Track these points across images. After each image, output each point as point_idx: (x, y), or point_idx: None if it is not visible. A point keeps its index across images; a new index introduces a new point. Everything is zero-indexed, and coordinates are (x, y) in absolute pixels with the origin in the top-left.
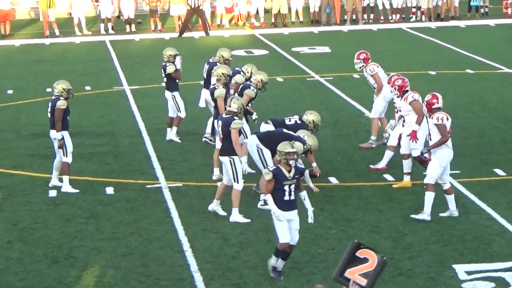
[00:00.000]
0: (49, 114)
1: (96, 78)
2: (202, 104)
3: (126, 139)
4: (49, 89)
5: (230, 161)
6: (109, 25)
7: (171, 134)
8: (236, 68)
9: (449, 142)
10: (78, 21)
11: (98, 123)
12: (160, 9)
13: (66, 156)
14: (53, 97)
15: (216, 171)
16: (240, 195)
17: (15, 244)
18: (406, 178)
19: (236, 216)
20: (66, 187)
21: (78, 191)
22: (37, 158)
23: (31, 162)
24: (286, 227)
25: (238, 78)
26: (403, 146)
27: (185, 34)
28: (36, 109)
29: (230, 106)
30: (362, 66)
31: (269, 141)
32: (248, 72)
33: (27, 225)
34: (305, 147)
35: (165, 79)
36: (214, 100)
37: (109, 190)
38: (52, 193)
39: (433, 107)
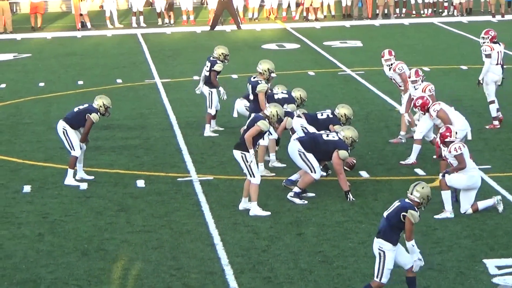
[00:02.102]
0: (76, 109)
1: (128, 71)
2: (235, 114)
3: (157, 132)
4: (80, 82)
5: (242, 156)
6: (141, 18)
7: (207, 131)
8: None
9: (474, 170)
10: (110, 14)
11: (129, 116)
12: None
13: (74, 150)
14: (91, 106)
15: (261, 166)
16: (258, 189)
17: (45, 236)
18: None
19: (255, 210)
20: (69, 180)
21: (79, 184)
22: (68, 151)
23: (61, 155)
24: (391, 269)
25: (291, 107)
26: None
27: (217, 28)
28: (67, 102)
29: (266, 110)
30: (393, 63)
31: (312, 148)
32: (298, 98)
33: (58, 218)
34: (350, 147)
35: (207, 73)
36: (255, 94)
37: (140, 183)
38: (83, 186)
39: (446, 140)
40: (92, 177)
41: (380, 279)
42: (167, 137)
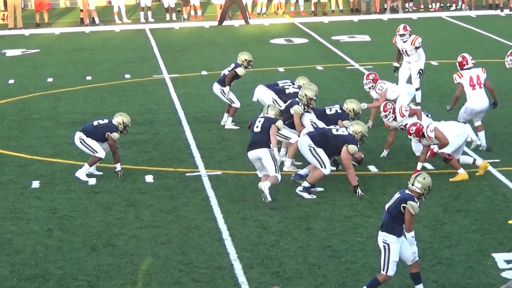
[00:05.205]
0: (95, 122)
1: (136, 66)
2: (254, 99)
3: (166, 128)
4: (89, 77)
5: (269, 152)
6: (149, 13)
7: (228, 123)
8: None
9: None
10: (118, 9)
11: (138, 112)
12: None
13: (98, 153)
14: (111, 123)
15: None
16: (277, 182)
17: (54, 232)
18: (461, 171)
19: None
20: (81, 174)
21: (88, 180)
22: (76, 146)
23: (70, 151)
24: (396, 261)
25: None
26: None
27: (225, 23)
28: (75, 98)
29: (267, 113)
30: (371, 86)
31: (322, 143)
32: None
33: (66, 213)
34: (359, 141)
35: (227, 72)
36: (288, 111)
37: (149, 178)
38: (91, 181)
39: (423, 132)
40: (101, 173)
41: (387, 272)
42: (176, 132)
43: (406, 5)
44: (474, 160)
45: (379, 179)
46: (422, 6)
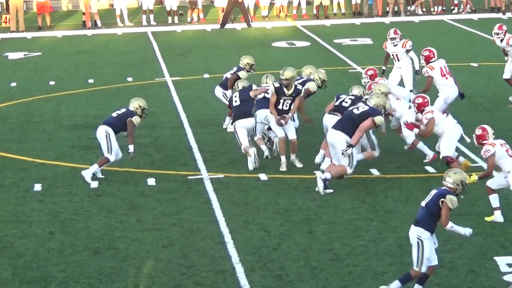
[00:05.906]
0: (114, 114)
1: (138, 69)
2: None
3: (168, 131)
4: (91, 80)
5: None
6: (151, 16)
7: (230, 126)
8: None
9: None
10: (120, 12)
11: None
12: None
13: (110, 154)
14: (129, 110)
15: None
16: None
17: (56, 235)
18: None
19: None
20: (87, 174)
21: (92, 182)
22: (78, 149)
23: (72, 154)
24: (429, 258)
25: (311, 86)
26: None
27: (227, 26)
28: (77, 100)
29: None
30: (367, 82)
31: (353, 127)
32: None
33: (68, 216)
34: (384, 111)
35: (229, 76)
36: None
37: (151, 181)
38: (94, 184)
39: (424, 108)
40: (103, 176)
41: (420, 268)
42: (178, 135)
43: (408, 7)
44: (458, 156)
45: (381, 182)
46: (424, 9)
